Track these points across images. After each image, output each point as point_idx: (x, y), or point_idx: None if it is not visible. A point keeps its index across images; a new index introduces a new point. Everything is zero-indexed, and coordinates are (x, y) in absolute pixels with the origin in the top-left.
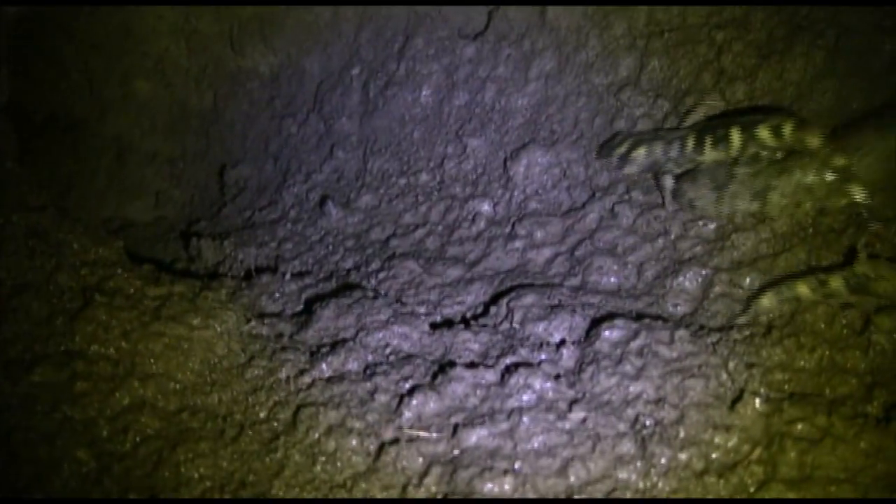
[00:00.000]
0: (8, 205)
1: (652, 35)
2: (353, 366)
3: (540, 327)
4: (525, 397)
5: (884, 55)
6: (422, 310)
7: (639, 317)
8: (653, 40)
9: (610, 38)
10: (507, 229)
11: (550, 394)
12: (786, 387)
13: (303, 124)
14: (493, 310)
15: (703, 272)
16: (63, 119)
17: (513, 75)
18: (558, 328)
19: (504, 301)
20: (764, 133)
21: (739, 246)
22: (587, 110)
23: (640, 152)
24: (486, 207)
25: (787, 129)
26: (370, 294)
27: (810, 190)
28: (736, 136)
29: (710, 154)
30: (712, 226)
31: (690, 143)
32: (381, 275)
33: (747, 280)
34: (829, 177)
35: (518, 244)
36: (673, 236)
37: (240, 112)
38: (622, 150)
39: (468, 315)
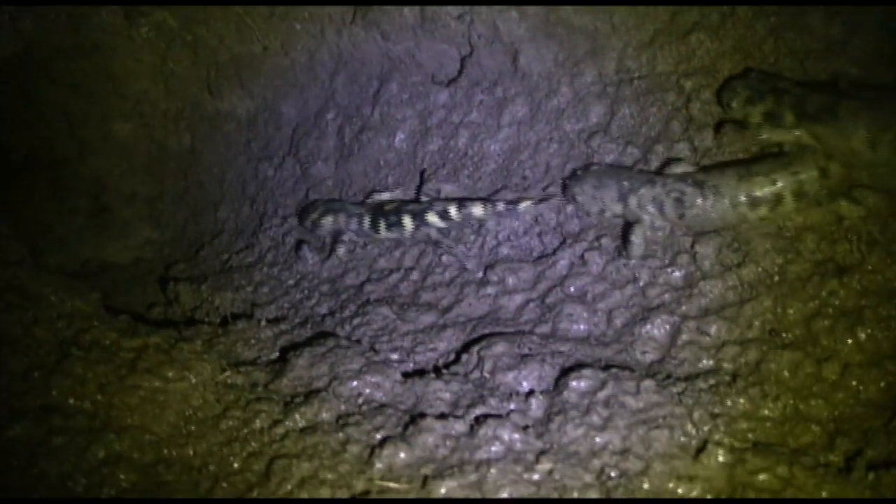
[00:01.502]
0: None
1: (622, 82)
2: (326, 416)
3: (510, 376)
4: (494, 448)
5: None
6: (395, 357)
7: (607, 366)
8: (623, 87)
9: (581, 85)
10: (480, 275)
11: (518, 445)
12: (749, 436)
13: (279, 167)
14: (464, 358)
15: (671, 320)
16: (42, 159)
17: (485, 121)
18: (528, 377)
19: (475, 349)
20: (433, 218)
21: (707, 293)
22: (559, 157)
23: (328, 220)
24: (459, 252)
25: (453, 212)
26: (343, 342)
27: None
28: (408, 222)
29: (384, 234)
30: (680, 273)
31: (367, 221)
32: (356, 321)
33: (714, 328)
34: None
35: (490, 290)
36: (642, 283)
37: (217, 154)
38: (314, 216)
39: (440, 362)
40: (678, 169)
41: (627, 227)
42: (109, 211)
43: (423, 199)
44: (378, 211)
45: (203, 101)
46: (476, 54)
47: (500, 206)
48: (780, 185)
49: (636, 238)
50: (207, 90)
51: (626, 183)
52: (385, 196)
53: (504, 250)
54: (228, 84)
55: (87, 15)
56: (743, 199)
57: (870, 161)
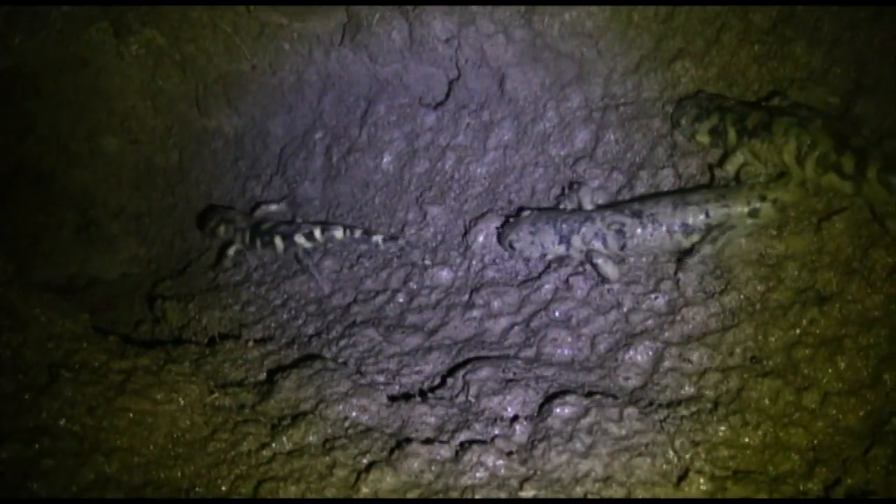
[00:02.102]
0: None
1: (607, 108)
2: (313, 439)
3: (494, 401)
4: (478, 474)
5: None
6: (381, 379)
7: (590, 393)
8: (608, 113)
9: (567, 109)
10: (465, 297)
11: (503, 471)
12: (730, 464)
13: (266, 186)
14: (449, 382)
15: (654, 346)
16: (30, 172)
17: (472, 144)
18: (512, 402)
19: (461, 373)
20: (300, 239)
21: (689, 320)
22: (544, 181)
23: (221, 229)
24: (445, 275)
25: (318, 234)
26: (330, 365)
27: None
28: (279, 242)
29: (260, 251)
30: (664, 299)
31: (247, 236)
32: (342, 342)
33: (696, 355)
34: None
35: (476, 313)
36: (625, 309)
37: (205, 171)
38: (212, 224)
39: (426, 385)
40: None
41: (590, 260)
42: (96, 226)
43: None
44: (256, 228)
45: (191, 119)
46: (463, 77)
47: (357, 234)
48: (711, 215)
49: (604, 265)
50: (196, 107)
51: (564, 226)
52: (272, 208)
53: (490, 273)
54: (216, 102)
55: (76, 31)
56: (677, 227)
57: (799, 176)
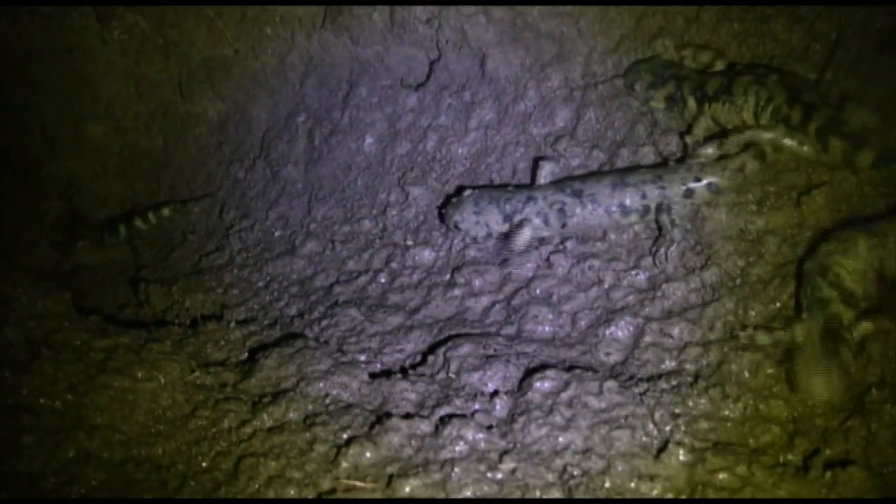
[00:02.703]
0: None
1: (588, 87)
2: (294, 416)
3: (475, 377)
4: (458, 448)
5: None
6: (362, 358)
7: (571, 367)
8: (589, 92)
9: (547, 89)
10: (447, 277)
11: (482, 444)
12: (710, 436)
13: (250, 170)
14: (430, 359)
15: (635, 321)
16: (14, 160)
17: (454, 125)
18: (492, 378)
19: (441, 350)
20: (138, 222)
21: (670, 296)
22: (525, 160)
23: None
24: (427, 255)
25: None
26: (312, 343)
27: None
28: (122, 228)
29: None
30: (644, 275)
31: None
32: (325, 322)
33: (676, 330)
34: None
35: (457, 292)
36: (606, 285)
37: (189, 156)
38: None
39: (407, 363)
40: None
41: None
42: (82, 213)
43: None
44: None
45: (175, 104)
46: (444, 58)
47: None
48: (648, 196)
49: (522, 237)
50: (179, 93)
51: (507, 206)
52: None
53: (471, 253)
54: (200, 87)
55: (59, 17)
56: (615, 208)
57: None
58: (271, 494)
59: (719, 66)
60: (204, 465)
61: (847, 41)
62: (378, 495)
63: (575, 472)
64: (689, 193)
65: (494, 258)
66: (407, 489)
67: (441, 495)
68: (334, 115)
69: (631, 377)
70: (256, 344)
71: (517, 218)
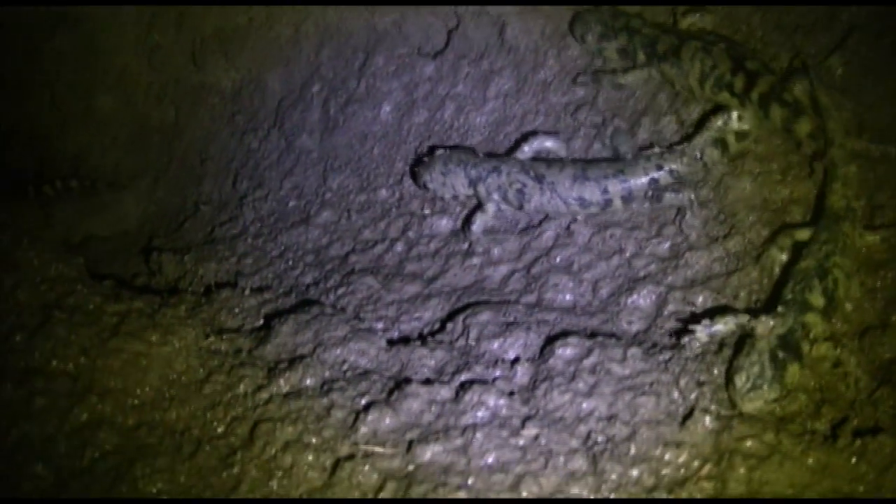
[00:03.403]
0: None
1: None
2: (311, 382)
3: (495, 344)
4: (479, 414)
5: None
6: (379, 326)
7: (593, 334)
8: None
9: (567, 58)
10: (465, 246)
11: (504, 410)
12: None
13: (264, 140)
14: (449, 326)
15: (658, 290)
16: (24, 133)
17: (472, 93)
18: (513, 345)
19: (460, 318)
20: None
21: (693, 264)
22: (544, 129)
23: None
24: (444, 224)
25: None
26: (328, 310)
27: None
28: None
29: None
30: (667, 244)
31: None
32: (340, 290)
33: (700, 298)
34: None
35: (475, 261)
36: (628, 254)
37: (201, 127)
38: None
39: (425, 331)
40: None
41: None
42: (92, 184)
43: None
44: None
45: (187, 74)
46: (463, 26)
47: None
48: (610, 191)
49: (476, 226)
50: (192, 63)
51: (473, 171)
52: None
53: (489, 221)
54: (213, 57)
55: None
56: (573, 200)
57: (700, 97)
58: (288, 460)
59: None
60: (219, 430)
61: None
62: (398, 462)
63: (599, 439)
64: (653, 182)
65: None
66: (427, 455)
67: (463, 461)
68: (350, 85)
69: (654, 345)
70: (272, 311)
71: (480, 188)
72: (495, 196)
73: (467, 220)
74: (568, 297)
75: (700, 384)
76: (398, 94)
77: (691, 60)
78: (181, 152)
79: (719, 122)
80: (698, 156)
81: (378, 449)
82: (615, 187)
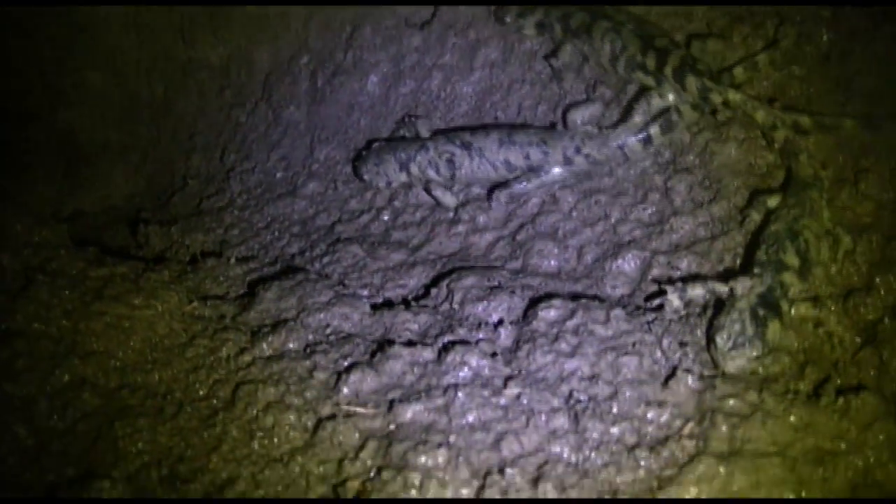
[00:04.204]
0: None
1: None
2: (294, 345)
3: (479, 308)
4: (461, 374)
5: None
6: (364, 292)
7: (576, 296)
8: None
9: None
10: (450, 214)
11: (486, 371)
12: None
13: (251, 113)
14: (433, 291)
15: (642, 255)
16: (13, 110)
17: (458, 64)
18: (497, 309)
19: (444, 283)
20: None
21: (678, 229)
22: (531, 98)
23: None
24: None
25: None
26: (313, 277)
27: None
28: None
29: None
30: (651, 210)
31: None
32: (326, 259)
33: (684, 263)
34: None
35: (461, 228)
36: (613, 220)
37: (190, 102)
38: None
39: (410, 298)
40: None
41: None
42: (81, 161)
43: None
44: None
45: (176, 50)
46: None
47: None
48: (531, 158)
49: (441, 196)
50: (181, 39)
51: (402, 155)
52: None
53: (475, 190)
54: (201, 32)
55: None
56: (500, 164)
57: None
58: (270, 420)
59: None
60: (201, 392)
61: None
62: (379, 421)
63: (581, 398)
64: (568, 161)
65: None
66: (409, 414)
67: (444, 420)
68: (337, 57)
69: (638, 307)
70: (256, 279)
71: (413, 168)
72: (429, 171)
73: (434, 198)
74: (553, 262)
75: (683, 345)
76: (385, 66)
77: (602, 41)
78: (170, 127)
79: (641, 111)
80: (616, 145)
81: (359, 409)
82: (536, 155)
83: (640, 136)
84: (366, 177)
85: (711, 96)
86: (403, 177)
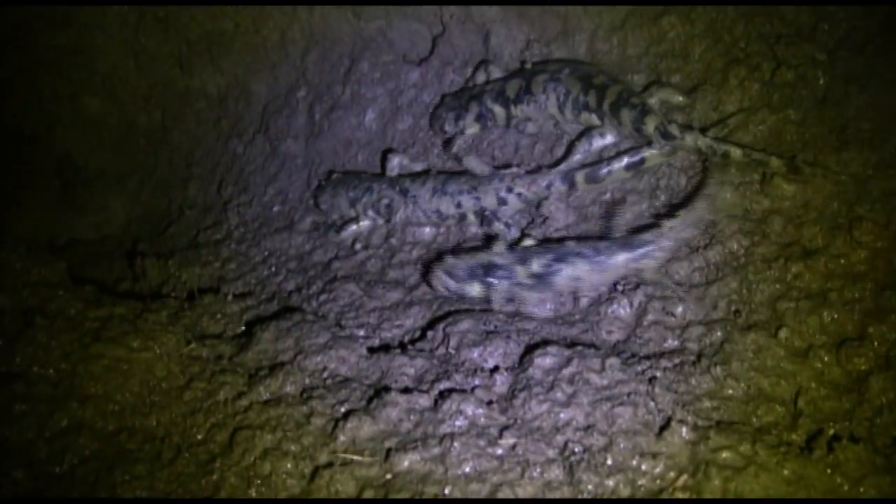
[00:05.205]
0: None
1: (593, 63)
2: (291, 389)
3: (475, 353)
4: (457, 423)
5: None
6: (361, 333)
7: (572, 344)
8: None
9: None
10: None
11: (482, 420)
12: (713, 414)
13: (249, 145)
14: (429, 334)
15: (637, 300)
16: (10, 134)
17: None
18: (493, 354)
19: (441, 326)
20: None
21: (673, 274)
22: (528, 136)
23: None
24: (427, 232)
25: None
26: (310, 317)
27: None
28: None
29: None
30: None
31: None
32: (323, 297)
33: (679, 308)
34: None
35: None
36: None
37: (187, 131)
38: None
39: (406, 339)
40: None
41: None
42: (78, 187)
43: None
44: None
45: (174, 78)
46: (448, 34)
47: None
48: (463, 206)
49: (346, 233)
50: (179, 66)
51: (351, 193)
52: None
53: (473, 230)
54: (200, 61)
55: None
56: (431, 213)
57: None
58: (267, 467)
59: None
60: (199, 436)
61: (856, 22)
62: (376, 469)
63: (576, 449)
64: (503, 202)
65: None
66: (405, 463)
67: (440, 470)
68: (335, 91)
69: (633, 355)
70: (253, 318)
71: (358, 206)
72: (370, 213)
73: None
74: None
75: (677, 394)
76: (383, 101)
77: (544, 93)
78: (167, 156)
79: (581, 151)
80: (545, 185)
81: (356, 457)
82: (468, 203)
83: (566, 181)
84: (323, 207)
85: (644, 127)
86: (352, 212)
